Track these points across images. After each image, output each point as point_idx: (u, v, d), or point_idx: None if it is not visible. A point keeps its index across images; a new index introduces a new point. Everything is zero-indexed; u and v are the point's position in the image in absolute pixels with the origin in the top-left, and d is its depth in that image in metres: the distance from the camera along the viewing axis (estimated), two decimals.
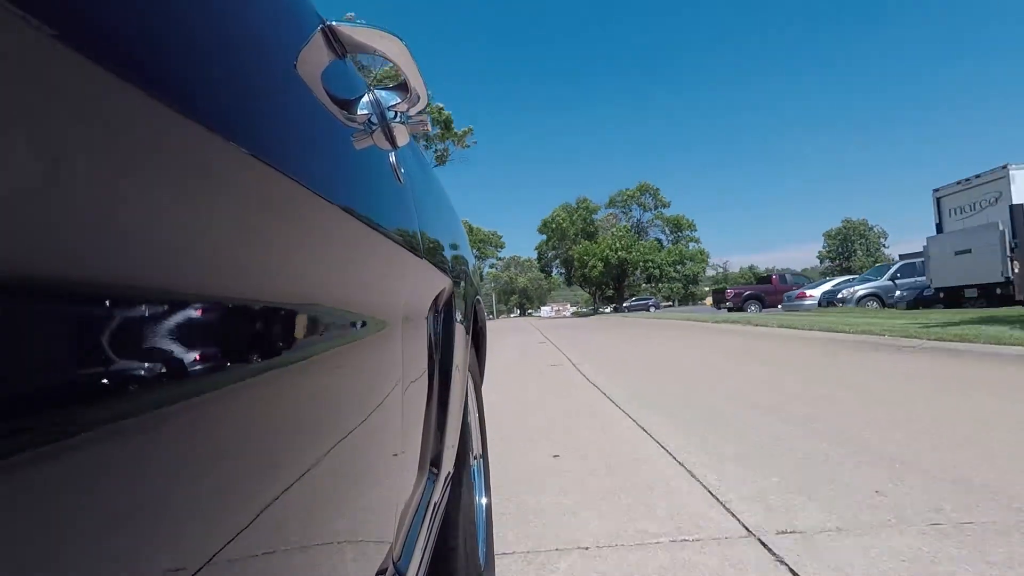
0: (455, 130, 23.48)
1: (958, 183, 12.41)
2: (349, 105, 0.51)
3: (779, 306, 19.04)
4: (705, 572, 1.36)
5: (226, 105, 0.30)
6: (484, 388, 1.64)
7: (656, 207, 44.68)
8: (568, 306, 57.84)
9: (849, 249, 59.06)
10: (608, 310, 42.28)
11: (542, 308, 59.52)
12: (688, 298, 44.07)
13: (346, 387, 0.46)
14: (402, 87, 0.55)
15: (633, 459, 2.33)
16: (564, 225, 43.26)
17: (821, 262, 61.99)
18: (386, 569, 0.55)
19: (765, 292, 22.81)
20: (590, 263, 39.69)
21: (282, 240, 0.35)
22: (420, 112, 0.56)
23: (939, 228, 12.95)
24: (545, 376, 5.22)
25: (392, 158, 0.68)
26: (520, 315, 58.69)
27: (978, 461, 2.02)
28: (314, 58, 0.45)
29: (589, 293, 45.98)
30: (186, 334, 0.25)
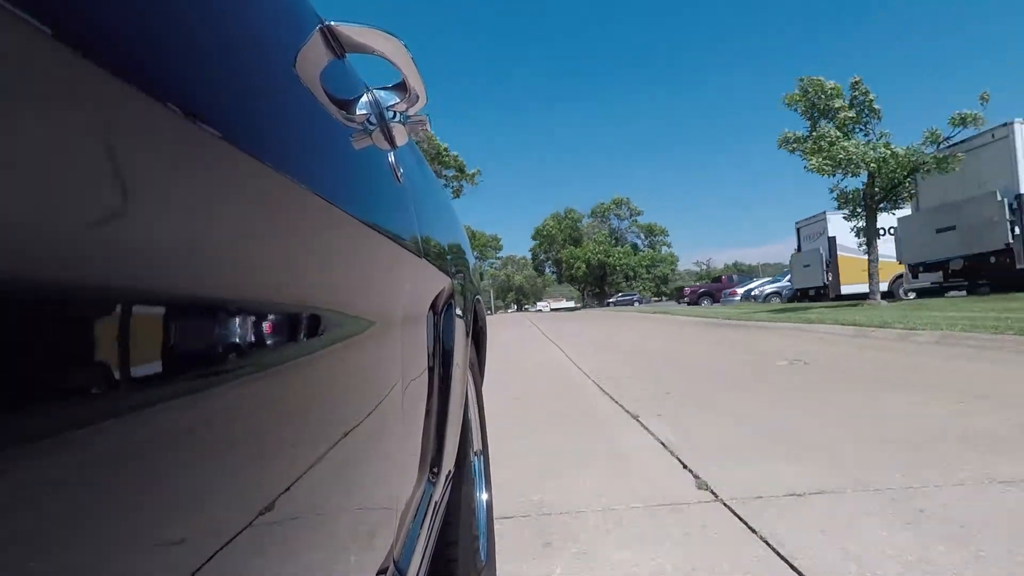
0: (467, 172, 30.41)
1: (806, 220, 18.25)
2: (348, 105, 0.51)
3: (721, 301, 24.27)
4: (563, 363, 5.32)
5: (225, 105, 0.30)
6: (500, 328, 3.74)
7: (631, 215, 53.53)
8: (564, 300, 60.89)
9: None
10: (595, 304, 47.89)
11: (538, 303, 62.26)
12: (674, 294, 47.85)
13: (346, 387, 0.46)
14: (401, 87, 0.54)
15: (552, 357, 6.86)
16: (553, 232, 51.52)
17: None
18: (387, 568, 0.55)
19: (715, 289, 28.14)
20: (575, 265, 47.63)
21: (281, 240, 0.35)
22: (419, 112, 0.56)
23: (799, 248, 18.90)
24: (525, 329, 11.01)
25: (391, 158, 0.68)
26: (517, 310, 63.46)
27: (712, 360, 5.37)
28: (313, 58, 0.45)
29: (578, 291, 53.27)
30: (184, 334, 0.25)
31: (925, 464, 1.94)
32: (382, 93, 0.54)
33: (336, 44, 0.49)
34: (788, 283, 20.20)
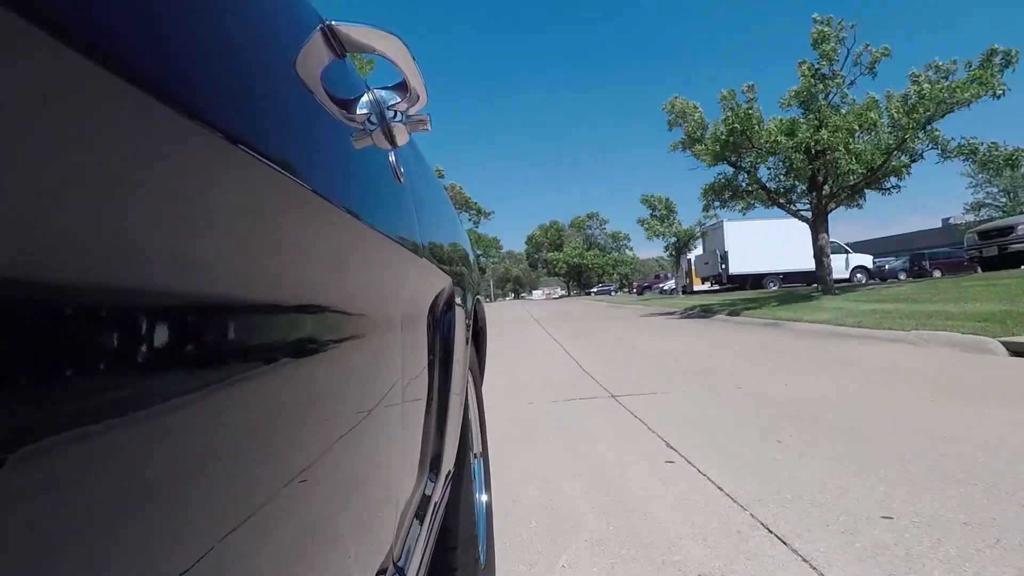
0: (484, 211, 45.42)
1: (710, 226, 21.84)
2: (348, 104, 0.51)
3: (653, 291, 33.50)
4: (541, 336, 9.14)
5: (225, 104, 0.30)
6: (503, 307, 5.84)
7: (600, 225, 70.50)
8: (558, 290, 74.93)
9: None
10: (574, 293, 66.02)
11: (534, 292, 78.04)
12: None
13: (346, 386, 0.46)
14: (401, 86, 0.54)
15: (521, 314, 15.60)
16: (540, 239, 71.23)
17: None
18: (386, 568, 0.55)
19: (653, 283, 37.01)
20: (558, 264, 64.41)
21: (281, 239, 0.35)
22: (420, 111, 0.56)
23: (704, 251, 25.30)
24: (514, 310, 19.93)
25: (392, 158, 0.68)
26: (515, 298, 75.87)
27: (632, 335, 8.38)
28: (313, 57, 0.45)
29: (564, 283, 72.06)
30: (183, 334, 0.25)
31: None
32: (382, 92, 0.54)
33: (336, 44, 0.49)
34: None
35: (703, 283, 24.60)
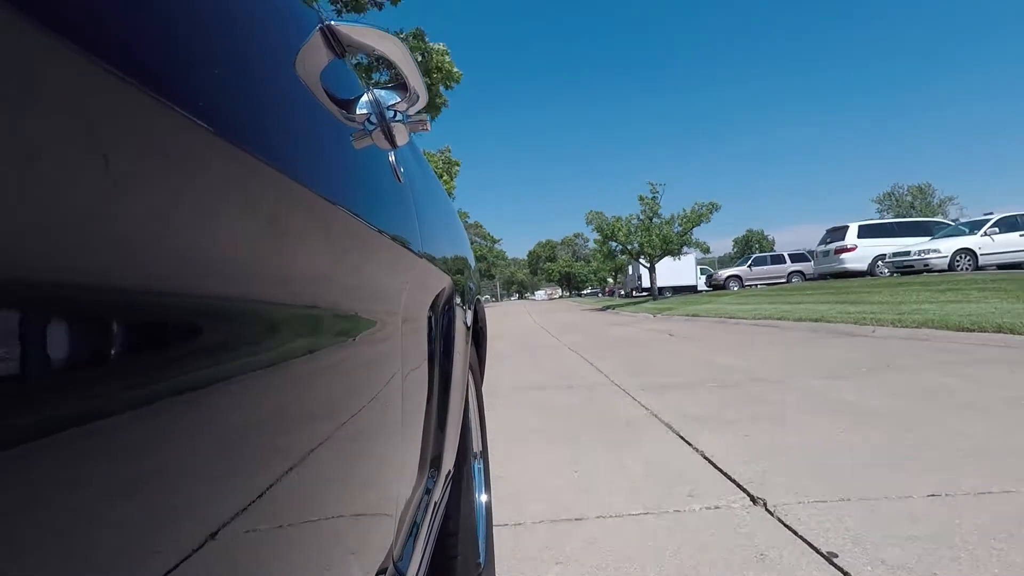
0: (493, 237, 61.02)
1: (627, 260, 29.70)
2: (348, 105, 0.51)
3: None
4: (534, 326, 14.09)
5: (225, 104, 0.30)
6: (507, 306, 7.62)
7: (584, 243, 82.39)
8: (559, 290, 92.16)
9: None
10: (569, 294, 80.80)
11: (536, 293, 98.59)
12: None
13: (346, 387, 0.46)
14: (401, 86, 0.54)
15: (524, 320, 17.09)
16: (539, 253, 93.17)
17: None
18: (386, 569, 0.55)
19: (618, 288, 43.92)
20: (553, 273, 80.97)
21: (281, 239, 0.35)
22: (419, 111, 0.56)
23: (652, 270, 27.89)
24: (517, 309, 28.01)
25: (391, 157, 0.68)
26: (519, 298, 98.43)
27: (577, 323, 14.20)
28: (313, 58, 0.45)
29: (559, 286, 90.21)
30: (183, 334, 0.25)
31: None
32: (382, 92, 0.54)
33: (336, 44, 0.49)
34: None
35: (632, 292, 33.54)
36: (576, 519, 1.63)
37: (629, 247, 21.77)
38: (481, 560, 1.13)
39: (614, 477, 1.95)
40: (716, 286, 22.98)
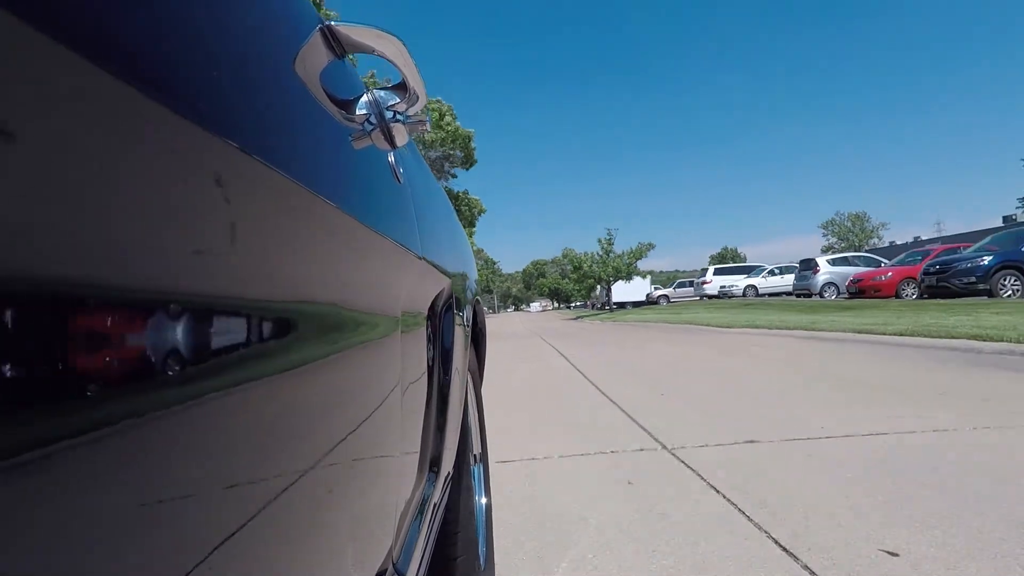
0: (494, 260, 69.48)
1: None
2: (348, 105, 0.51)
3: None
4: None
5: (224, 105, 0.30)
6: (506, 317, 8.94)
7: (570, 261, 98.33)
8: (551, 303, 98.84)
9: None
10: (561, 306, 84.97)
11: (531, 304, 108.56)
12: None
13: (345, 388, 0.46)
14: (401, 87, 0.54)
15: (516, 319, 30.49)
16: (531, 271, 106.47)
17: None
18: (386, 570, 0.55)
19: (603, 301, 49.85)
20: (544, 288, 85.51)
21: (280, 240, 0.35)
22: (419, 112, 0.56)
23: (609, 290, 33.18)
24: (512, 319, 31.75)
25: (391, 158, 0.68)
26: (515, 310, 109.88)
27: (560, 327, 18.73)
28: (313, 58, 0.45)
29: (550, 299, 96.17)
30: (182, 335, 0.25)
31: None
32: (382, 93, 0.54)
33: (336, 44, 0.49)
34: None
35: (603, 306, 38.01)
36: (508, 372, 5.53)
37: (592, 275, 29.71)
38: (482, 562, 1.13)
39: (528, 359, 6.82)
40: (651, 302, 34.05)
